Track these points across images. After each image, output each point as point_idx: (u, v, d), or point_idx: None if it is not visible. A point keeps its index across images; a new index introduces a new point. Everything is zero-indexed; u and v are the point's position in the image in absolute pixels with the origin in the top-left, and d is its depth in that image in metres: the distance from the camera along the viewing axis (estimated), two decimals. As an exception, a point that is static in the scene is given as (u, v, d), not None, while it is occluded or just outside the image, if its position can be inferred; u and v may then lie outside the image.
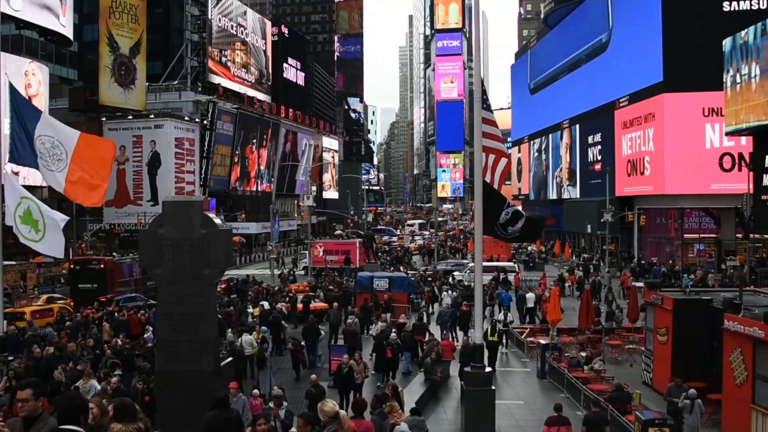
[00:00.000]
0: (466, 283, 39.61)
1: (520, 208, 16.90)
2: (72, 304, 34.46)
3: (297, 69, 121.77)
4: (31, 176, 43.26)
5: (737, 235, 48.99)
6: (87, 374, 16.12)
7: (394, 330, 24.18)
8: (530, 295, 33.58)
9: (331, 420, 8.46)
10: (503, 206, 15.92)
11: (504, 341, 26.71)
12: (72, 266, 38.91)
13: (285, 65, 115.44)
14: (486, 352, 20.49)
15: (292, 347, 23.05)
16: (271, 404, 13.90)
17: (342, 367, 17.69)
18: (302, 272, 52.98)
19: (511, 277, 42.36)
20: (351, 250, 51.88)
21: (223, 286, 37.97)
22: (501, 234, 16.18)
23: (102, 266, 36.97)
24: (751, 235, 43.83)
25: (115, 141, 62.70)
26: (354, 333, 23.65)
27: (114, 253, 48.08)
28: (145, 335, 23.35)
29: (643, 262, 51.93)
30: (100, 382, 15.94)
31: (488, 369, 15.56)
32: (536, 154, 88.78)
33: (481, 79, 15.92)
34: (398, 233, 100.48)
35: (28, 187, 24.93)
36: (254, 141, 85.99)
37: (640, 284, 32.20)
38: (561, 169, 77.52)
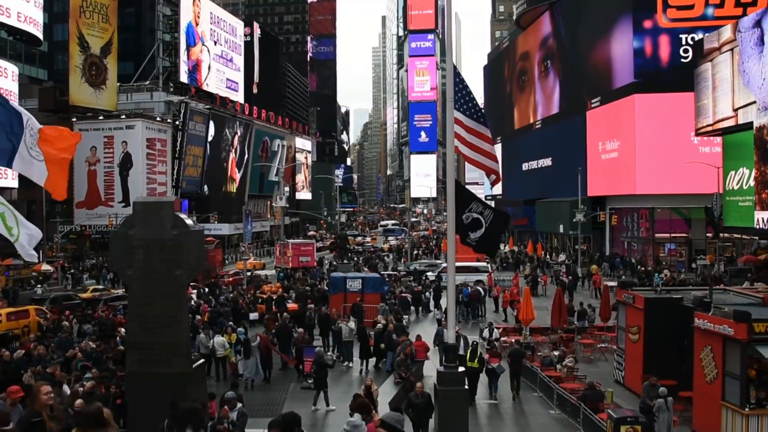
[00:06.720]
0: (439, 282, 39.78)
1: (485, 212, 15.62)
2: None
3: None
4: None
5: (707, 235, 49.55)
6: (60, 378, 15.86)
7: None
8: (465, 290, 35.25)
9: None
10: (466, 208, 15.48)
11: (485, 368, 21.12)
12: None
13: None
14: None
15: (263, 341, 22.52)
16: (227, 407, 13.56)
17: None
18: (272, 272, 52.89)
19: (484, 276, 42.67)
20: (309, 252, 52.58)
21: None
22: (466, 240, 15.44)
23: None
24: (721, 234, 44.42)
25: (85, 142, 63.59)
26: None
27: None
28: (117, 337, 23.05)
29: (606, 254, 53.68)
30: (71, 385, 15.73)
31: (461, 368, 15.49)
32: (510, 155, 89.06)
33: (455, 80, 15.86)
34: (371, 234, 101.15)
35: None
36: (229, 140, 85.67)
37: (613, 283, 32.52)
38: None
